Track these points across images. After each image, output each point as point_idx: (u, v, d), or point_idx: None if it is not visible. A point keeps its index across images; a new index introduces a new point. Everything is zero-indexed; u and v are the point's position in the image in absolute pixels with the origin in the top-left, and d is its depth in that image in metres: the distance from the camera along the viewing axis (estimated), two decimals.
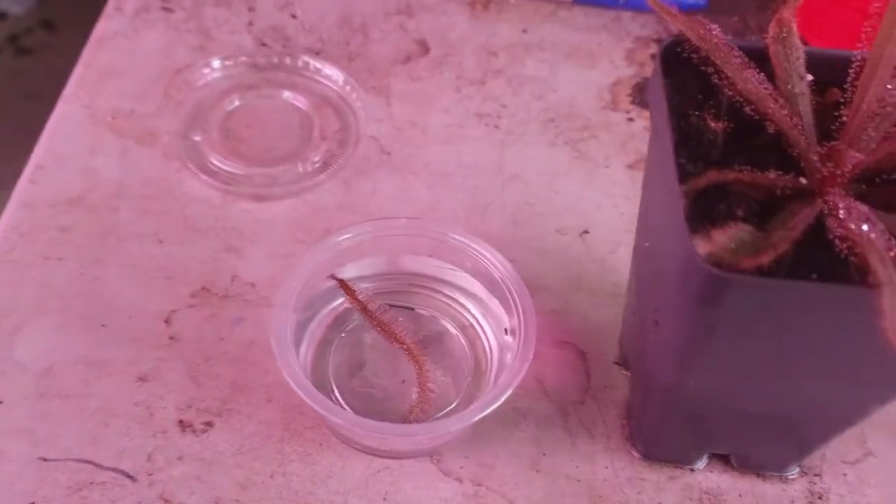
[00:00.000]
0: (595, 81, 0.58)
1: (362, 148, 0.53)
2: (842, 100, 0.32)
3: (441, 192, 0.51)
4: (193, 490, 0.39)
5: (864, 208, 0.28)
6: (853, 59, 0.31)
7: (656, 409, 0.38)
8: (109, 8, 0.60)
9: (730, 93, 0.32)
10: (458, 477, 0.40)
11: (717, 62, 0.32)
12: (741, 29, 0.62)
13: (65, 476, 0.39)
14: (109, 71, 0.56)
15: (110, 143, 0.52)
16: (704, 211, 0.30)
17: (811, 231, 0.29)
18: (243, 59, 0.56)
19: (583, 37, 0.61)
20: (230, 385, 0.42)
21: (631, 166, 0.53)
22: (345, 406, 0.41)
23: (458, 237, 0.42)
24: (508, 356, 0.40)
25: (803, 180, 0.30)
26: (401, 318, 0.42)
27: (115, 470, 0.39)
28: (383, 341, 0.41)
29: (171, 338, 0.44)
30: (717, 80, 0.32)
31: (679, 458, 0.40)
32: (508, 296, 0.40)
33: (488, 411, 0.37)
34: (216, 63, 0.55)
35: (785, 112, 0.31)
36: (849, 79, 0.31)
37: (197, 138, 0.52)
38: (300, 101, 0.55)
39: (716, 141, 0.32)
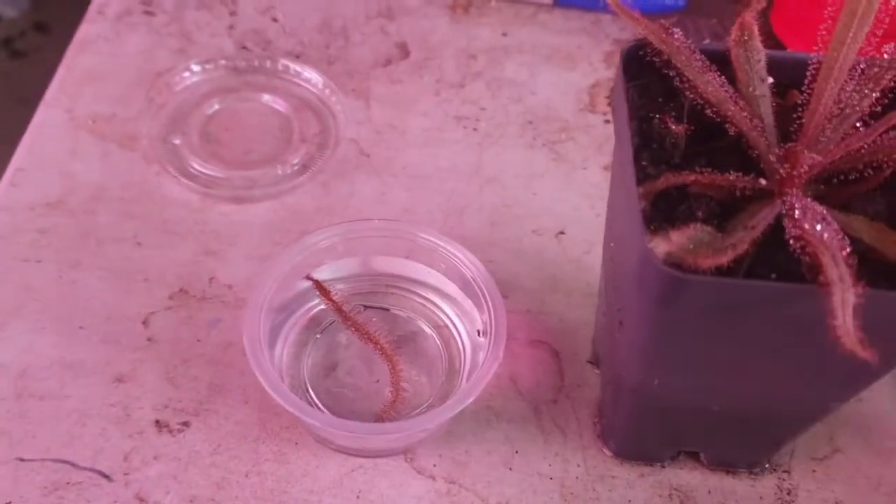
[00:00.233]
0: (574, 84, 0.58)
1: (341, 151, 0.53)
2: (801, 102, 0.32)
3: (419, 194, 0.51)
4: (169, 489, 0.39)
5: (819, 208, 0.29)
6: (810, 62, 0.31)
7: (626, 407, 0.39)
8: (92, 11, 0.61)
9: (691, 96, 0.32)
10: (431, 475, 0.40)
11: (679, 65, 0.32)
12: (719, 31, 0.62)
13: (41, 476, 0.39)
14: (91, 74, 0.56)
15: (91, 147, 0.52)
16: (665, 213, 0.30)
17: (772, 232, 0.29)
18: (223, 62, 0.56)
19: (562, 39, 0.61)
20: (207, 386, 0.43)
21: (608, 168, 0.53)
22: (320, 406, 0.41)
23: (431, 238, 0.43)
24: (481, 355, 0.41)
25: (763, 181, 0.31)
26: (375, 319, 0.42)
27: (91, 470, 0.40)
28: (358, 342, 0.42)
29: (148, 339, 0.44)
30: (679, 84, 0.32)
31: (649, 456, 0.41)
32: (480, 295, 0.41)
33: (458, 410, 0.37)
34: (196, 67, 0.56)
35: (745, 114, 0.32)
36: (807, 81, 0.32)
37: (177, 142, 0.53)
38: (280, 105, 0.55)
39: (678, 143, 0.32)
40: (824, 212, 0.29)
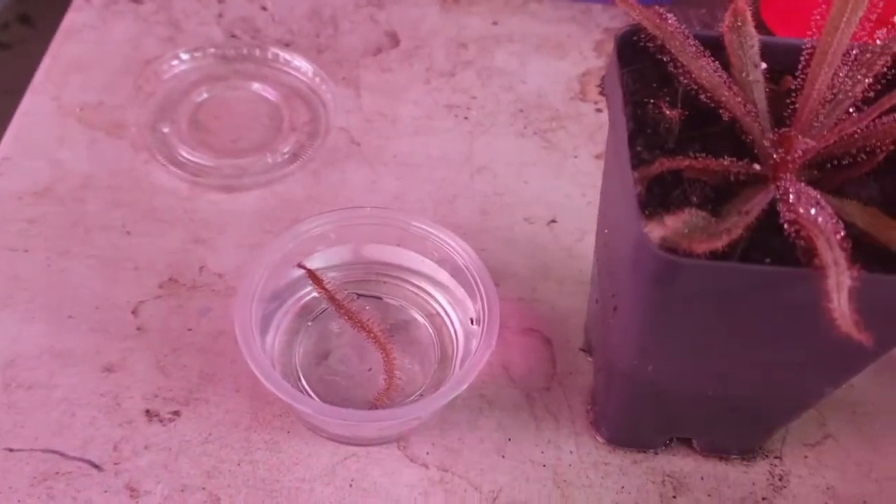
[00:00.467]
0: (564, 72, 0.58)
1: (332, 139, 0.53)
2: (794, 87, 0.32)
3: (410, 182, 0.51)
4: (160, 479, 0.39)
5: (813, 193, 0.29)
6: (804, 47, 0.31)
7: (619, 394, 0.39)
8: (78, 0, 0.60)
9: (685, 81, 0.32)
10: (424, 463, 0.40)
11: (673, 51, 0.32)
12: (708, 21, 0.62)
13: (30, 466, 0.39)
14: (78, 63, 0.56)
15: (78, 135, 0.52)
16: (660, 198, 0.30)
17: (767, 217, 0.29)
18: (212, 50, 0.56)
19: (553, 28, 0.61)
20: (198, 375, 0.43)
21: (599, 156, 0.53)
22: (312, 394, 0.41)
23: (423, 226, 0.42)
24: (474, 343, 0.40)
25: (757, 166, 0.31)
26: (368, 307, 0.42)
27: (81, 460, 0.39)
28: (350, 330, 0.42)
29: (138, 328, 0.44)
30: (673, 69, 0.32)
31: (642, 443, 0.41)
32: (473, 283, 0.41)
33: (450, 397, 0.37)
34: (185, 55, 0.55)
35: (739, 100, 0.32)
36: (800, 66, 0.32)
37: (165, 130, 0.52)
38: (269, 93, 0.55)
39: (672, 129, 0.32)
40: (818, 196, 0.29)
